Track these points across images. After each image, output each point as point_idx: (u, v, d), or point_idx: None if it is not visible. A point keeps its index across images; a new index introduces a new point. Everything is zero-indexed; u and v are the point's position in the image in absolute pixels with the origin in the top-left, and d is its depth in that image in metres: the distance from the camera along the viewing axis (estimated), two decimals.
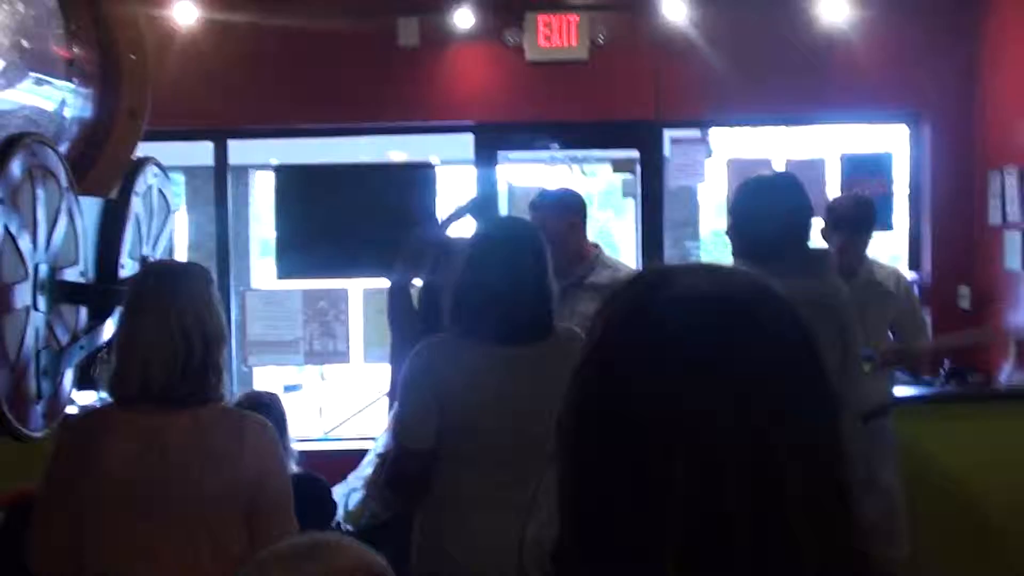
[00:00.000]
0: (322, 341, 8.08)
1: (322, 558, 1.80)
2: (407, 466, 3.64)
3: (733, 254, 4.21)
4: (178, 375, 3.03)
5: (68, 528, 3.04)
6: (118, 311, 4.23)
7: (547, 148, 7.89)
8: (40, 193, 3.53)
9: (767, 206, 4.10)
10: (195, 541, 3.02)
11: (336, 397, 10.66)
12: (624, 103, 7.74)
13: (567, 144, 7.93)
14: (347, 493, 4.33)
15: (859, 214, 5.79)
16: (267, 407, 4.31)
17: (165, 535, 3.01)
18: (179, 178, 13.78)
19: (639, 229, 8.02)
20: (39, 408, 3.57)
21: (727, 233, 4.25)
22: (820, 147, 8.56)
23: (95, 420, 3.24)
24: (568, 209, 5.49)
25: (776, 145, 8.70)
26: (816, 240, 4.87)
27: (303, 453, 4.83)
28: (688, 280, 1.41)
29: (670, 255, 8.64)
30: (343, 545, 1.86)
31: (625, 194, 8.31)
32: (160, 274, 3.23)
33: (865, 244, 5.85)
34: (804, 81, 7.68)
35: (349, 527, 4.20)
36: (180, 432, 3.05)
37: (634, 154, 7.94)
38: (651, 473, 1.30)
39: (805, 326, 1.37)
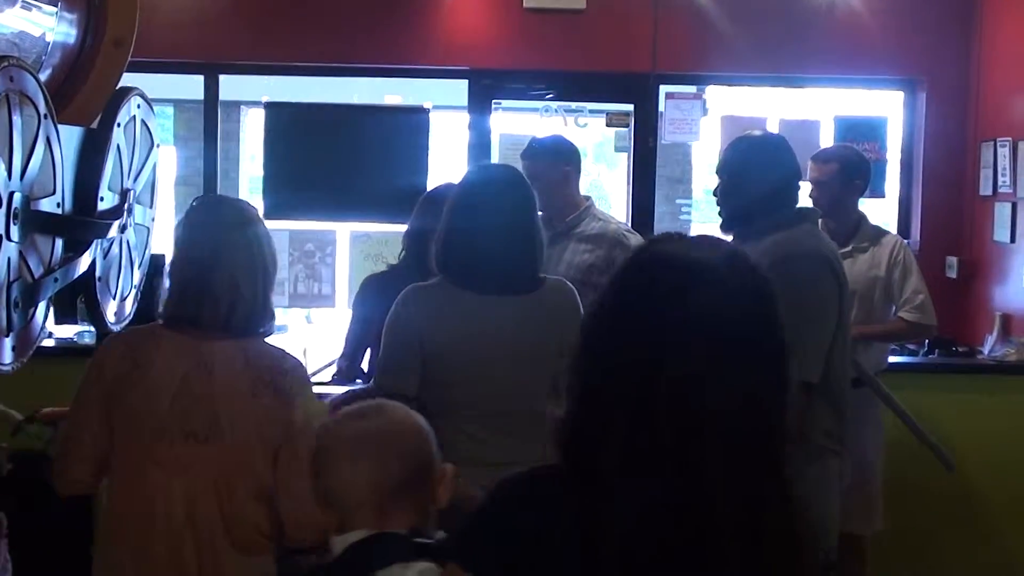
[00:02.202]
0: (307, 284, 8.03)
1: (383, 413, 2.43)
2: None
3: (720, 214, 4.15)
4: (252, 306, 3.19)
5: (101, 445, 3.16)
6: (95, 244, 4.20)
7: (542, 98, 7.81)
8: (17, 119, 3.45)
9: (756, 166, 4.05)
10: (230, 463, 3.12)
11: (321, 340, 10.60)
12: (620, 56, 7.66)
13: (562, 95, 7.86)
14: None
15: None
16: None
17: (204, 454, 3.11)
18: (168, 111, 13.66)
19: (631, 184, 7.97)
20: (8, 341, 3.50)
21: (714, 192, 4.19)
22: (815, 109, 8.49)
23: (145, 336, 3.31)
24: (561, 157, 5.43)
25: (771, 105, 8.63)
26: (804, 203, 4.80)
27: None
28: (672, 248, 1.84)
29: (661, 212, 8.59)
30: (398, 407, 2.48)
31: (618, 148, 8.24)
32: (233, 205, 3.42)
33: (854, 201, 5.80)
34: (802, 42, 7.61)
35: None
36: (228, 359, 3.16)
37: (628, 108, 7.87)
38: (638, 396, 1.69)
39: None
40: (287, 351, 3.34)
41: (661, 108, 7.88)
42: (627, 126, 7.93)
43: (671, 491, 1.66)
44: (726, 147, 4.28)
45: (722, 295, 1.73)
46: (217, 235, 3.24)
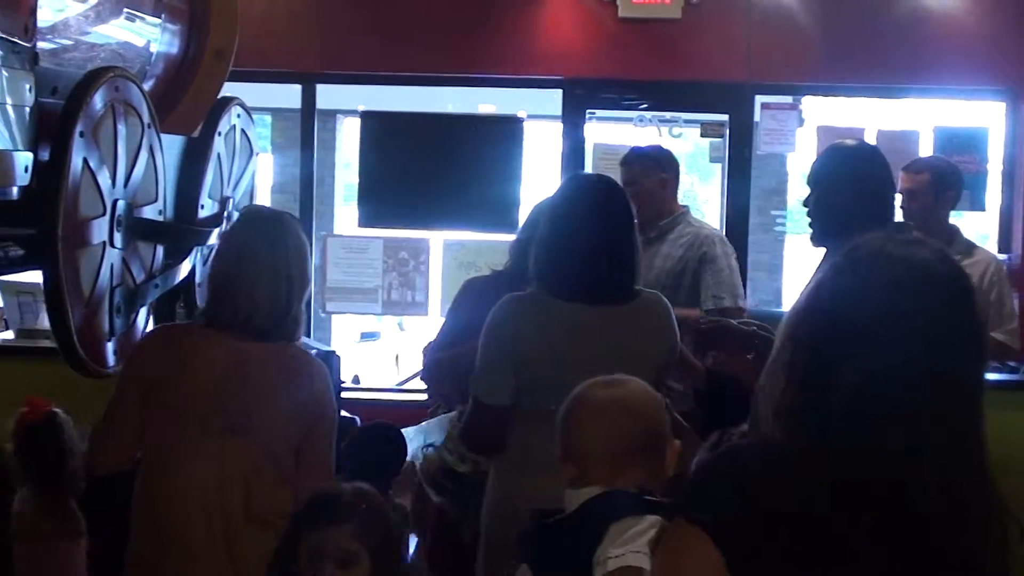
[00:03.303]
0: (401, 291, 8.07)
1: (626, 384, 2.76)
2: (481, 421, 3.61)
3: (811, 226, 4.06)
4: (269, 314, 3.32)
5: (135, 429, 3.30)
6: (195, 251, 4.27)
7: (635, 107, 7.80)
8: (121, 128, 3.52)
9: (847, 176, 3.94)
10: (261, 458, 3.28)
11: (413, 347, 10.67)
12: (716, 65, 7.61)
13: (656, 104, 7.83)
14: (422, 443, 4.31)
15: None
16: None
17: (236, 447, 3.25)
18: (266, 120, 13.84)
19: (725, 195, 7.91)
20: (111, 345, 3.57)
21: (804, 203, 4.10)
22: (913, 119, 8.36)
23: (184, 333, 3.51)
24: (660, 165, 5.43)
25: (868, 115, 8.52)
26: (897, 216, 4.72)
27: (376, 402, 4.83)
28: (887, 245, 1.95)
29: (755, 223, 8.51)
30: (638, 382, 2.80)
31: (712, 159, 8.19)
32: (268, 217, 3.52)
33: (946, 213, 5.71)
34: (901, 51, 7.50)
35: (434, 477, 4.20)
36: (263, 361, 3.32)
37: (723, 118, 7.82)
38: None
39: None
40: (313, 357, 3.52)
41: (756, 118, 7.81)
42: (722, 136, 7.88)
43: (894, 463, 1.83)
44: (817, 157, 4.19)
45: (939, 293, 1.89)
46: (242, 245, 3.39)
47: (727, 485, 1.90)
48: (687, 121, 8.00)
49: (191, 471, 3.24)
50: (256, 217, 3.58)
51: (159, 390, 3.30)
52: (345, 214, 12.45)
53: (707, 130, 7.89)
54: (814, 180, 4.03)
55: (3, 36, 2.95)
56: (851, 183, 3.91)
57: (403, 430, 4.45)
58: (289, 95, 8.40)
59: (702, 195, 13.69)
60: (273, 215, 3.61)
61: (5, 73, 2.99)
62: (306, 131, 8.16)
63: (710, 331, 4.47)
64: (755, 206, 8.30)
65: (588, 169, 7.50)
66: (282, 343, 3.37)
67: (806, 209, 4.07)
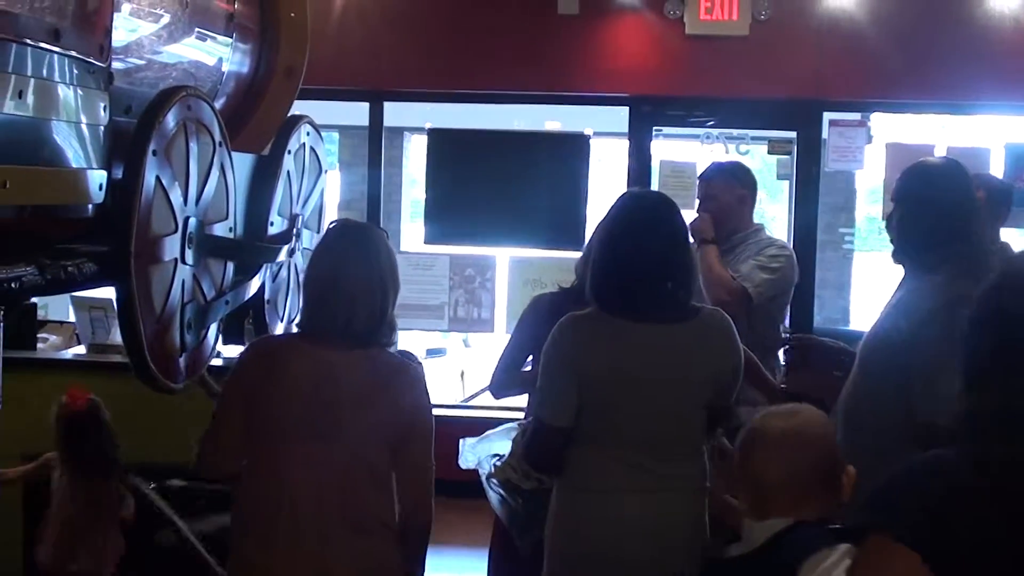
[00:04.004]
0: (467, 308, 8.10)
1: (804, 414, 2.78)
2: (545, 441, 3.60)
3: (893, 243, 4.01)
4: (368, 319, 3.39)
5: (239, 435, 3.37)
6: (265, 268, 4.31)
7: (702, 125, 7.78)
8: (193, 147, 3.56)
9: (932, 194, 3.89)
10: (354, 464, 3.34)
11: (479, 364, 10.69)
12: (783, 82, 7.59)
13: (723, 121, 7.81)
14: (490, 453, 4.32)
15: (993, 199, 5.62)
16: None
17: (330, 456, 3.31)
18: (334, 137, 13.94)
19: (792, 212, 7.87)
20: (182, 361, 3.61)
21: (887, 221, 4.05)
22: (984, 136, 8.27)
23: (281, 345, 3.63)
24: (738, 181, 5.40)
25: (938, 132, 8.44)
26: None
27: (441, 418, 4.84)
28: None
29: (823, 240, 8.46)
30: (815, 411, 2.83)
31: (780, 176, 8.16)
32: (359, 228, 3.65)
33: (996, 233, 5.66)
34: (971, 68, 7.44)
35: (499, 489, 4.20)
36: (354, 368, 3.37)
37: (791, 135, 7.79)
38: None
39: None
40: (407, 361, 3.56)
41: (824, 135, 7.77)
42: (789, 153, 7.85)
43: None
44: (901, 174, 4.12)
45: None
46: (339, 255, 3.46)
47: (925, 499, 1.90)
48: (754, 138, 7.99)
49: (288, 478, 3.32)
50: (348, 228, 3.65)
51: (257, 400, 3.38)
52: (412, 231, 12.52)
53: (774, 147, 7.88)
54: (898, 198, 3.98)
55: (79, 57, 2.99)
56: (935, 201, 3.87)
57: (464, 439, 4.46)
58: (357, 112, 8.47)
59: (770, 212, 13.62)
60: (363, 226, 3.72)
61: (81, 93, 3.04)
62: (374, 148, 8.22)
63: (801, 347, 4.44)
64: (823, 223, 8.23)
65: (655, 186, 7.49)
66: (376, 349, 3.44)
67: (889, 226, 4.02)
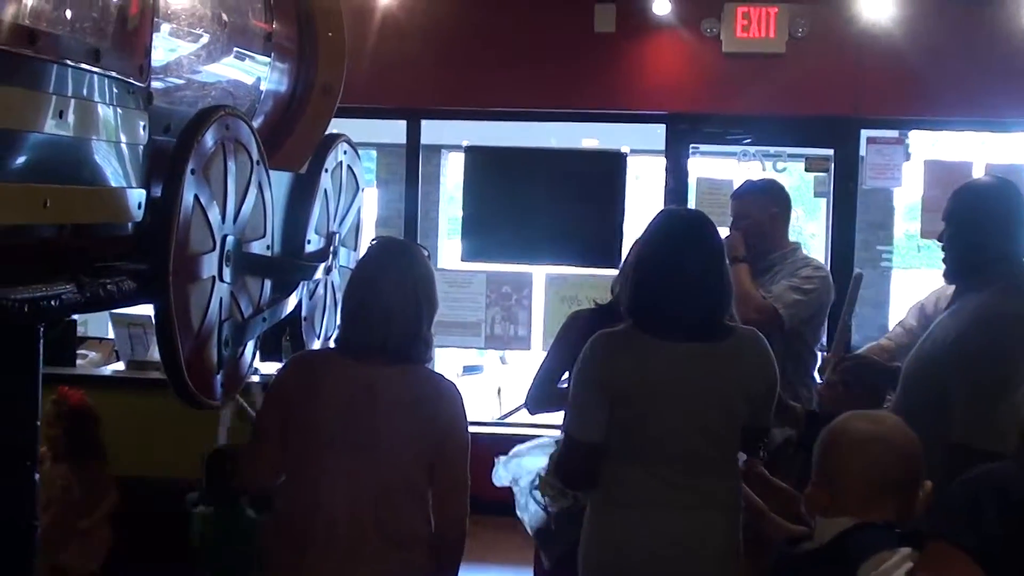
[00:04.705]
0: (503, 325, 8.11)
1: (888, 421, 2.81)
2: (575, 457, 3.60)
3: (945, 262, 3.97)
4: (403, 335, 3.47)
5: (278, 449, 3.49)
6: (302, 285, 4.33)
7: (739, 142, 7.77)
8: (231, 165, 3.59)
9: (985, 214, 3.86)
10: (390, 478, 3.42)
11: (515, 381, 10.69)
12: (821, 99, 7.57)
13: (760, 139, 7.80)
14: (536, 473, 4.33)
15: None
16: None
17: (365, 469, 3.40)
18: (371, 155, 13.99)
19: (829, 230, 7.84)
20: (219, 378, 3.63)
21: (939, 240, 4.02)
22: (1022, 153, 8.22)
23: (319, 360, 3.72)
24: (771, 199, 5.37)
25: (977, 149, 8.39)
26: None
27: (478, 436, 4.87)
28: None
29: (861, 258, 8.40)
30: (894, 416, 2.91)
31: (817, 193, 8.13)
32: (397, 246, 3.76)
33: None
34: (1010, 85, 7.40)
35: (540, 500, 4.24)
36: (391, 383, 3.45)
37: (828, 152, 7.76)
38: None
39: None
40: (443, 377, 3.65)
41: (862, 152, 7.74)
42: (827, 171, 7.82)
43: None
44: (953, 193, 4.07)
45: None
46: (376, 273, 3.55)
47: (989, 508, 1.91)
48: (791, 155, 7.97)
49: (324, 489, 3.41)
50: (386, 246, 3.72)
51: (296, 414, 3.47)
52: (449, 248, 12.55)
53: (812, 164, 7.85)
54: (949, 217, 3.96)
55: (119, 77, 3.02)
56: (983, 220, 3.85)
57: (499, 457, 4.47)
58: (394, 130, 8.50)
59: (807, 230, 13.57)
60: (402, 244, 3.84)
61: (120, 112, 3.06)
62: (411, 166, 8.25)
63: (854, 366, 4.38)
64: (860, 241, 8.19)
65: (691, 204, 7.48)
66: (412, 365, 3.51)
67: (940, 245, 4.00)
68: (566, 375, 4.38)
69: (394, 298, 3.48)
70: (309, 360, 3.81)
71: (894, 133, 7.91)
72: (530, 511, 4.29)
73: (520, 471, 4.40)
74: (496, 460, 4.46)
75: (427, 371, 3.60)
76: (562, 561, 4.07)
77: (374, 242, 3.76)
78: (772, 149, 7.81)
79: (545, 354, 4.68)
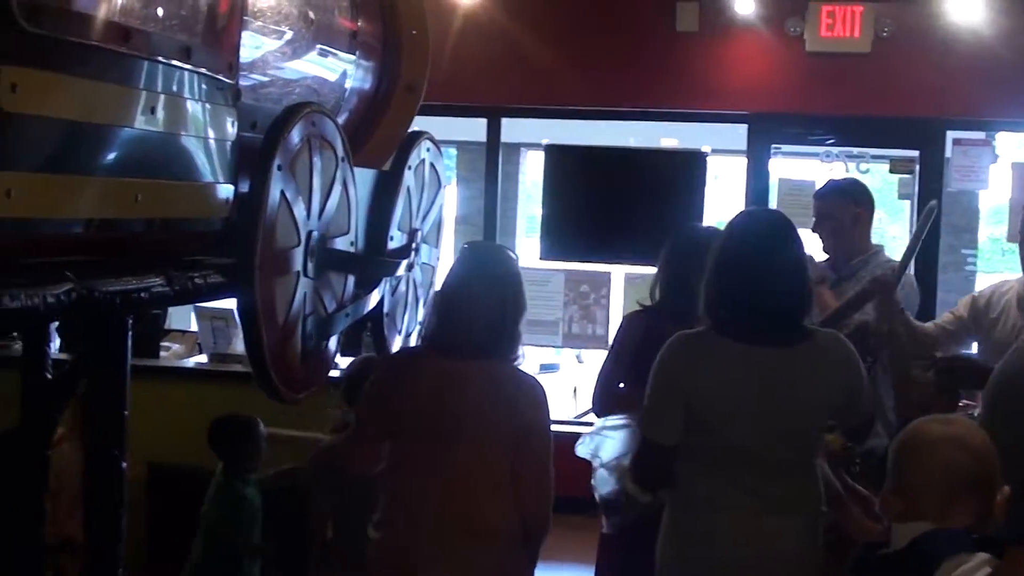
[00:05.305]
0: (581, 324, 8.10)
1: (960, 423, 2.79)
2: (650, 458, 3.59)
3: None
4: (487, 333, 3.61)
5: (375, 440, 3.69)
6: (384, 282, 4.37)
7: (822, 143, 7.71)
8: (317, 162, 3.62)
9: None
10: (475, 468, 3.56)
11: (591, 380, 10.68)
12: (906, 100, 7.49)
13: (843, 139, 7.73)
14: (612, 456, 4.37)
15: None
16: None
17: (453, 459, 3.55)
18: (451, 152, 14.04)
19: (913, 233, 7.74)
20: (302, 372, 3.67)
21: None
22: None
23: (410, 357, 3.96)
24: (853, 200, 5.29)
25: None
26: None
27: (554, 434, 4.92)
28: None
29: (945, 262, 8.32)
30: (968, 419, 2.91)
31: (901, 195, 8.04)
32: (486, 248, 4.06)
33: None
34: None
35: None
36: (476, 378, 3.59)
37: (913, 153, 7.67)
38: None
39: None
40: (527, 374, 3.77)
41: (948, 154, 7.65)
42: (911, 172, 7.73)
43: None
44: None
45: None
46: (462, 273, 3.73)
47: None
48: (875, 156, 7.89)
49: (415, 481, 3.58)
50: (475, 248, 3.95)
51: (390, 406, 3.64)
52: (527, 247, 12.55)
53: (896, 166, 7.77)
54: None
55: (209, 74, 3.07)
56: None
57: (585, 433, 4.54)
58: (474, 128, 8.53)
59: (890, 232, 13.42)
60: (491, 247, 4.15)
61: (209, 109, 3.11)
62: (491, 164, 8.28)
63: (954, 368, 4.30)
64: (945, 244, 8.10)
65: (772, 205, 7.43)
66: (499, 361, 3.65)
67: None
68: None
69: (481, 298, 3.63)
70: (401, 358, 4.05)
71: (981, 134, 7.80)
72: (602, 481, 4.35)
73: (602, 446, 4.44)
74: (583, 435, 4.55)
75: (512, 368, 3.70)
76: (623, 532, 4.21)
77: (466, 245, 3.91)
78: (855, 150, 7.73)
79: (605, 357, 4.69)
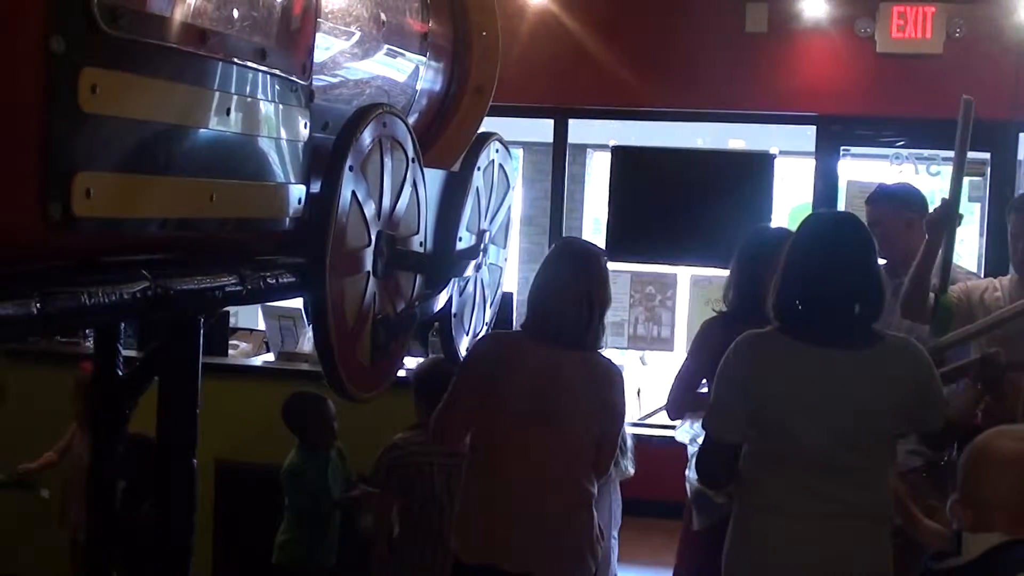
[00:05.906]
0: (647, 326, 8.09)
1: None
2: (714, 457, 3.58)
3: None
4: (575, 324, 3.90)
5: (466, 416, 3.95)
6: (453, 282, 4.38)
7: (892, 144, 7.64)
8: (388, 163, 3.63)
9: None
10: (563, 449, 3.89)
11: (655, 383, 10.64)
12: (978, 101, 7.36)
13: (913, 142, 7.65)
14: None
15: None
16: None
17: (544, 441, 3.84)
18: (517, 153, 14.03)
19: (984, 236, 7.66)
20: (371, 371, 3.69)
21: None
22: None
23: (510, 340, 4.19)
24: (907, 205, 5.20)
25: None
26: None
27: None
28: None
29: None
30: None
31: (971, 198, 7.94)
32: (575, 246, 4.28)
33: None
34: None
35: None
36: (571, 366, 3.91)
37: (985, 156, 7.58)
38: None
39: None
40: (613, 363, 4.11)
41: (1020, 156, 7.56)
42: (983, 175, 7.64)
43: None
44: None
45: None
46: (552, 270, 4.03)
47: None
48: (946, 159, 7.78)
49: (509, 455, 3.85)
50: (565, 246, 4.29)
51: (488, 384, 3.91)
52: None
53: (967, 168, 7.66)
54: None
55: (282, 75, 3.09)
56: None
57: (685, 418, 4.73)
58: (540, 129, 8.53)
59: (959, 235, 13.24)
60: (579, 245, 4.32)
61: (283, 109, 3.13)
62: (557, 164, 8.28)
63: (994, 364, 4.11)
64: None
65: (841, 207, 7.37)
66: (589, 351, 3.96)
67: None
68: (704, 381, 4.39)
69: (565, 295, 3.92)
70: (501, 340, 4.29)
71: None
72: (691, 475, 4.39)
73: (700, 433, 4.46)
74: (685, 419, 4.70)
75: (601, 357, 4.03)
76: (710, 530, 4.21)
77: (556, 244, 4.26)
78: (926, 152, 7.65)
79: (683, 360, 4.68)
